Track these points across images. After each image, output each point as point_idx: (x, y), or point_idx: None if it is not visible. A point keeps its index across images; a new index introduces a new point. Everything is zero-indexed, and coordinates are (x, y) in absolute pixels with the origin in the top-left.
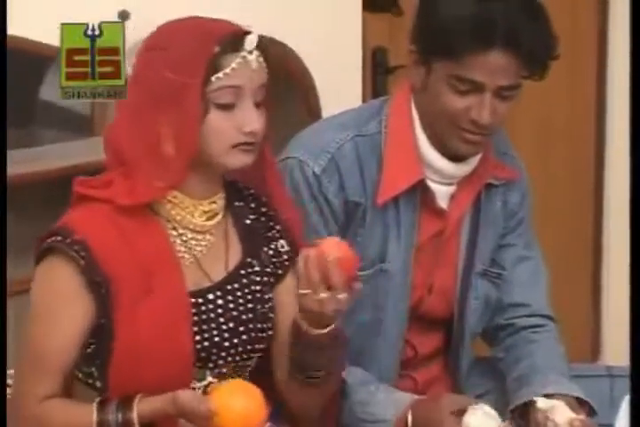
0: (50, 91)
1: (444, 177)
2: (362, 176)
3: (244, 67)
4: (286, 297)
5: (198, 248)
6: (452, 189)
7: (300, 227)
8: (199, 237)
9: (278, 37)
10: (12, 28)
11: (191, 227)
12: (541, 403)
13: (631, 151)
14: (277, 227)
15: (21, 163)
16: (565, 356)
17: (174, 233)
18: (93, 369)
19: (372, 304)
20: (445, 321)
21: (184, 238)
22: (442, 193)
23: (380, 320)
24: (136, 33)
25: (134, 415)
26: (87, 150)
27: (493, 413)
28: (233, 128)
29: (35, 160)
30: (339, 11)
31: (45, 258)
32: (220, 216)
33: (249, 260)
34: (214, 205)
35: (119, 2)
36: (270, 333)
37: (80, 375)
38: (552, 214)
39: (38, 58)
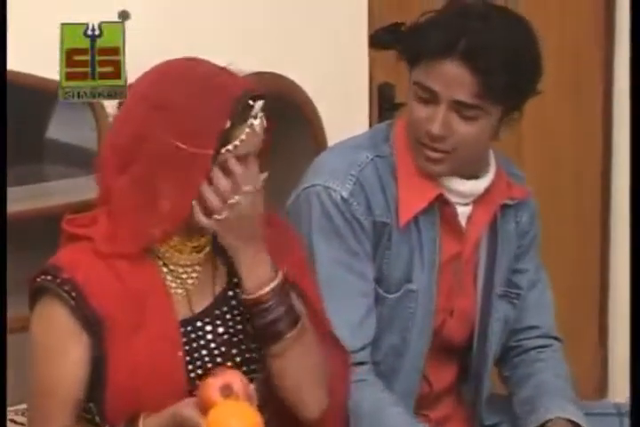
0: (57, 128)
1: (459, 196)
2: (385, 196)
3: (252, 135)
4: None
5: (190, 281)
6: (468, 209)
7: (291, 236)
8: (189, 269)
9: (287, 74)
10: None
11: (181, 263)
12: None
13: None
14: None
15: (28, 199)
16: (569, 374)
17: (165, 269)
18: (91, 405)
19: (400, 326)
20: (461, 349)
21: (175, 274)
22: (459, 214)
23: (407, 341)
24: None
25: None
26: (94, 186)
27: None
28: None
29: (41, 196)
30: (346, 48)
31: (40, 299)
32: (208, 248)
33: (235, 280)
34: (202, 239)
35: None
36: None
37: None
38: (558, 251)
39: (46, 95)
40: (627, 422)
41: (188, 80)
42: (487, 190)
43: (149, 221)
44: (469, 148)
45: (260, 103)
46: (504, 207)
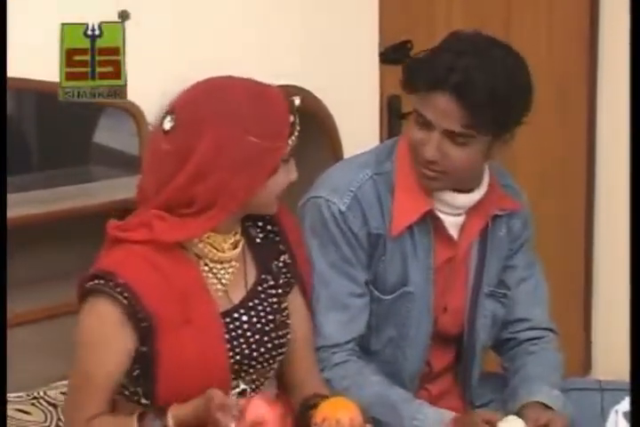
0: (103, 134)
1: (451, 208)
2: (381, 211)
3: (296, 128)
4: (297, 300)
5: (227, 276)
6: (461, 219)
7: (298, 231)
8: (226, 265)
9: (306, 86)
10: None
11: (221, 260)
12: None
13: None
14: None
15: (76, 197)
16: (559, 363)
17: (206, 268)
18: (138, 389)
19: (398, 322)
20: (456, 338)
21: (214, 271)
22: (451, 223)
23: (406, 336)
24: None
25: (169, 421)
26: (134, 186)
27: (521, 422)
28: (287, 177)
29: (87, 195)
30: (359, 63)
31: (90, 296)
32: (242, 243)
33: (264, 276)
34: (238, 236)
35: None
36: (289, 337)
37: (127, 393)
38: (545, 245)
39: (92, 104)
40: (607, 396)
41: (245, 90)
42: (479, 202)
43: (219, 214)
44: (462, 169)
45: (298, 99)
46: (495, 217)
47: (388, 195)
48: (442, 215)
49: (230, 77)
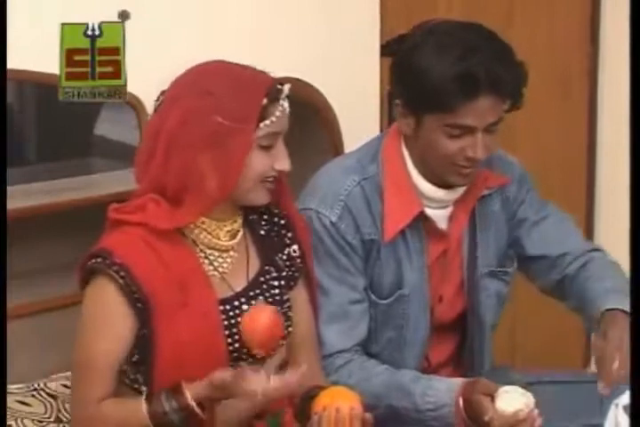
0: (104, 126)
1: (439, 203)
2: (371, 215)
3: (283, 114)
4: (301, 296)
5: (225, 265)
6: (448, 210)
7: (309, 232)
8: (224, 255)
9: (307, 79)
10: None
11: (217, 247)
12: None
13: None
14: (289, 234)
15: (77, 189)
16: (617, 269)
17: (202, 255)
18: (138, 376)
19: (396, 325)
20: (455, 327)
21: (211, 258)
22: (440, 217)
23: (404, 336)
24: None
25: (189, 398)
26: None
27: (522, 391)
28: (268, 165)
29: (88, 187)
30: (360, 56)
31: (92, 279)
32: (240, 233)
33: (267, 267)
34: (235, 224)
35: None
36: (290, 329)
37: (127, 381)
38: None
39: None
40: None
41: (226, 72)
42: (466, 191)
43: (202, 198)
44: (490, 153)
45: (287, 86)
46: (482, 197)
47: (377, 198)
48: (431, 212)
49: (222, 62)
